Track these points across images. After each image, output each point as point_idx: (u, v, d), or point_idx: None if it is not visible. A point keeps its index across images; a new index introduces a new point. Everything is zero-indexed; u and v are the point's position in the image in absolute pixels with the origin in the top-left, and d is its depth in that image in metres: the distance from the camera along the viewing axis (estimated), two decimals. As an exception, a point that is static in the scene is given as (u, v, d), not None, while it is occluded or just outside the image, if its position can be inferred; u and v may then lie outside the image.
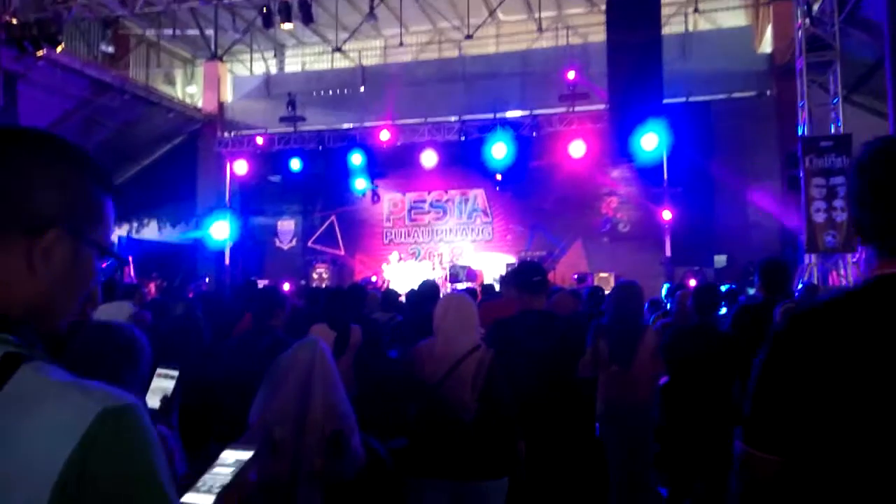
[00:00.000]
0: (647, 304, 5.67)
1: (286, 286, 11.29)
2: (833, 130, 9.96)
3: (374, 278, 14.38)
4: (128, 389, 0.93)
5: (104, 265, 0.95)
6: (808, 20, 10.20)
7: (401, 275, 15.11)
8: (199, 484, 1.22)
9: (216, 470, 1.23)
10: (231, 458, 1.26)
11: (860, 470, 1.15)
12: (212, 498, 1.19)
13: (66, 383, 0.77)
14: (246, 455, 1.26)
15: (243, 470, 1.24)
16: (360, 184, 15.45)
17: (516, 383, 3.12)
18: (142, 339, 1.74)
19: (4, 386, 0.75)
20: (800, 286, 8.18)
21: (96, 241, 0.91)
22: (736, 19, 16.18)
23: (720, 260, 12.76)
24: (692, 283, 9.29)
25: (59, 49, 11.98)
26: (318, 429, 2.11)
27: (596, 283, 11.31)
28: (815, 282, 9.00)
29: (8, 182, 0.85)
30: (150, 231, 17.49)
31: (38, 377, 0.77)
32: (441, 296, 5.11)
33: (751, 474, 1.28)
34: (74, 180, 0.89)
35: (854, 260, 9.27)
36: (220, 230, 15.37)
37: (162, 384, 1.35)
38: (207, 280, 14.25)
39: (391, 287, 9.90)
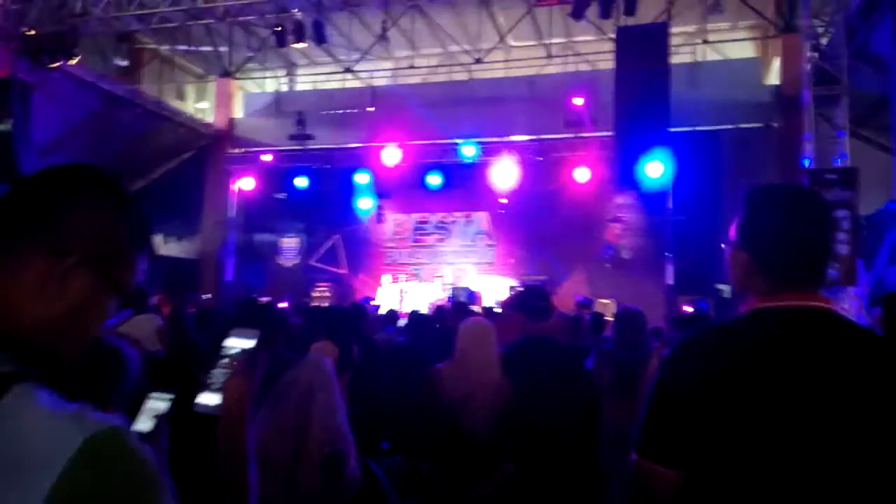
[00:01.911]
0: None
1: (283, 304, 11.28)
2: (838, 163, 9.98)
3: (374, 301, 14.35)
4: (111, 406, 0.92)
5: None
6: (816, 54, 10.27)
7: (395, 296, 15.10)
8: (210, 380, 1.15)
9: (224, 363, 1.17)
10: (236, 348, 1.19)
11: (739, 484, 1.24)
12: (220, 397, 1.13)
13: (54, 408, 0.77)
14: (249, 343, 1.18)
15: (246, 359, 1.16)
16: (365, 203, 15.48)
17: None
18: (129, 356, 1.72)
19: None
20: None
21: (117, 283, 0.91)
22: (744, 51, 16.30)
23: (724, 289, 12.71)
24: (688, 311, 9.26)
25: (74, 61, 12.13)
26: (316, 449, 2.10)
27: (597, 309, 11.27)
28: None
29: (51, 201, 0.87)
30: (156, 245, 17.52)
31: (26, 400, 0.76)
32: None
33: (649, 488, 1.33)
34: (114, 222, 0.92)
35: (855, 293, 9.23)
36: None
37: (155, 405, 1.33)
38: (209, 296, 14.23)
39: (392, 308, 9.89)
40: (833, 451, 1.20)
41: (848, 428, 1.20)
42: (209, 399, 1.13)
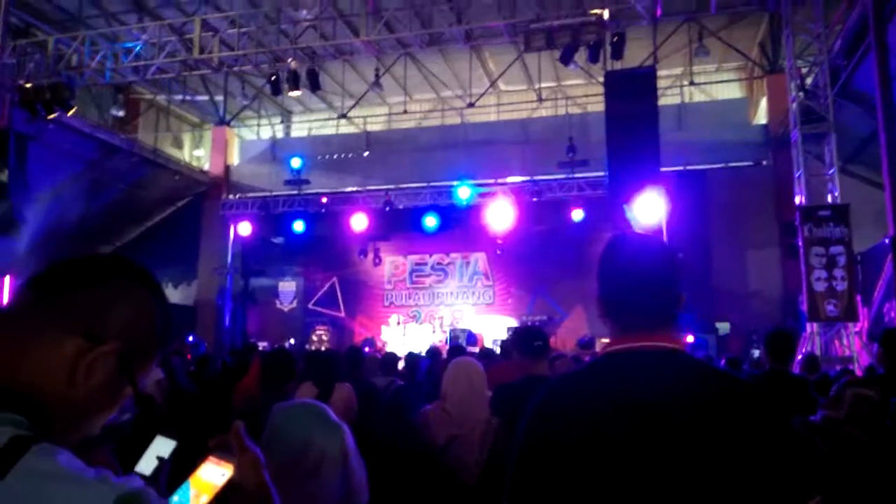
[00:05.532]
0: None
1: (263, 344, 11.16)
2: (830, 200, 10.06)
3: (373, 344, 14.23)
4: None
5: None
6: (801, 93, 10.46)
7: (399, 338, 15.01)
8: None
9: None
10: (160, 450, 1.10)
11: None
12: None
13: (78, 469, 0.79)
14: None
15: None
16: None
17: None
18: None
19: (11, 470, 0.75)
20: (799, 357, 8.11)
21: (133, 377, 0.93)
22: (730, 92, 16.63)
23: (723, 327, 12.69)
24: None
25: (70, 113, 12.28)
26: None
27: (598, 348, 11.21)
28: (818, 351, 8.91)
29: (97, 288, 0.90)
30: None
31: (50, 459, 0.78)
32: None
33: None
34: (149, 322, 0.94)
35: (856, 330, 9.21)
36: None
37: (160, 449, 1.29)
38: (206, 344, 14.09)
39: (390, 350, 9.82)
40: (676, 487, 1.22)
41: (689, 463, 1.23)
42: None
